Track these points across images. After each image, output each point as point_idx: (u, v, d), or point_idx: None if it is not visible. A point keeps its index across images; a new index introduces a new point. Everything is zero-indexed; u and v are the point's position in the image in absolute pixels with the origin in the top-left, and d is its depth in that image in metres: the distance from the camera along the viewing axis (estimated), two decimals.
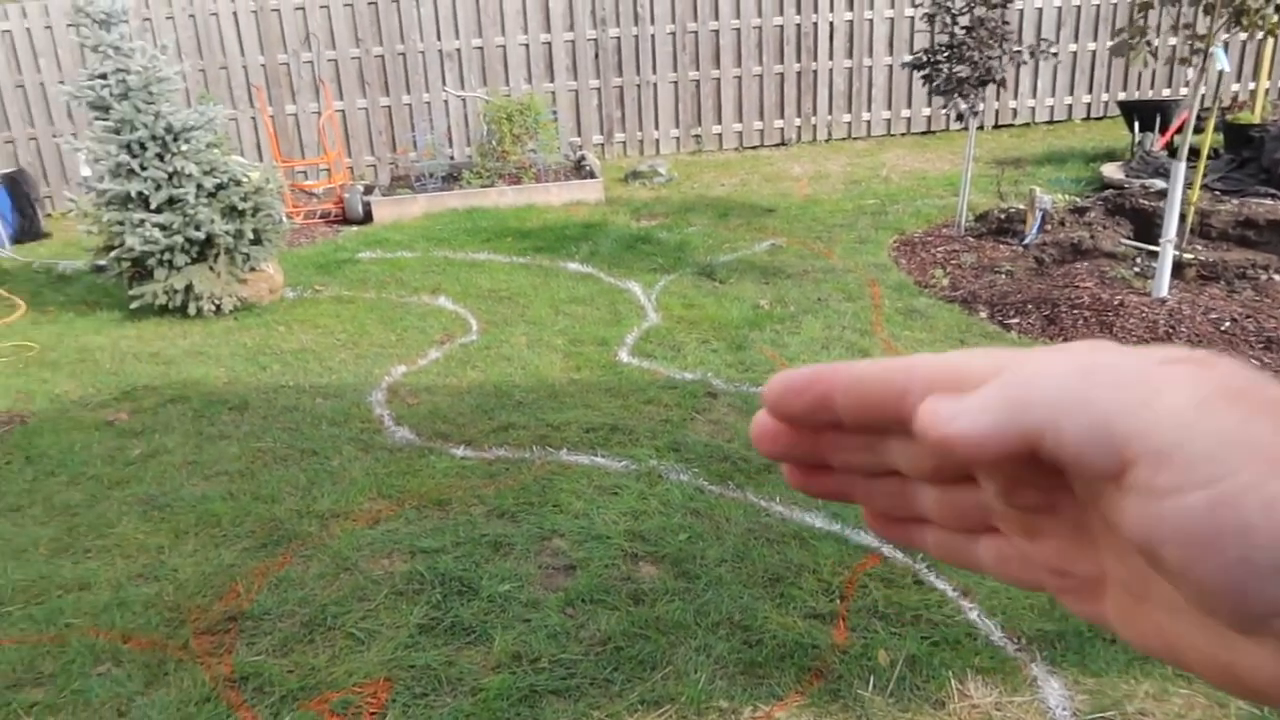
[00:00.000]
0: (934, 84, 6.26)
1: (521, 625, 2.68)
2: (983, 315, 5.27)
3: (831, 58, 10.34)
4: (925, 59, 6.29)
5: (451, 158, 9.66)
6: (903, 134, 10.61)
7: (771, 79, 10.37)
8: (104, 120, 5.82)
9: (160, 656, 2.69)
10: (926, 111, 10.52)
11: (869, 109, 10.52)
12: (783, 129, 10.52)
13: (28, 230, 8.72)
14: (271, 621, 2.81)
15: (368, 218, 8.28)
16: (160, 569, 3.15)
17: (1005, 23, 6.08)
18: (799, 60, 10.34)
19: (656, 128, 10.40)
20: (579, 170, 9.12)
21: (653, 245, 6.96)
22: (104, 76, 5.77)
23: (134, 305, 5.99)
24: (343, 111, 9.86)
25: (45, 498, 3.76)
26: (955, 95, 6.18)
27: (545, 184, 8.50)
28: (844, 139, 10.57)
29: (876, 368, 0.32)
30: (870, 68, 10.39)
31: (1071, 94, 10.56)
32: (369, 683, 2.49)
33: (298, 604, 2.88)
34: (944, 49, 6.16)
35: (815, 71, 10.37)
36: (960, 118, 6.33)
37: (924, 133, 10.61)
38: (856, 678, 2.43)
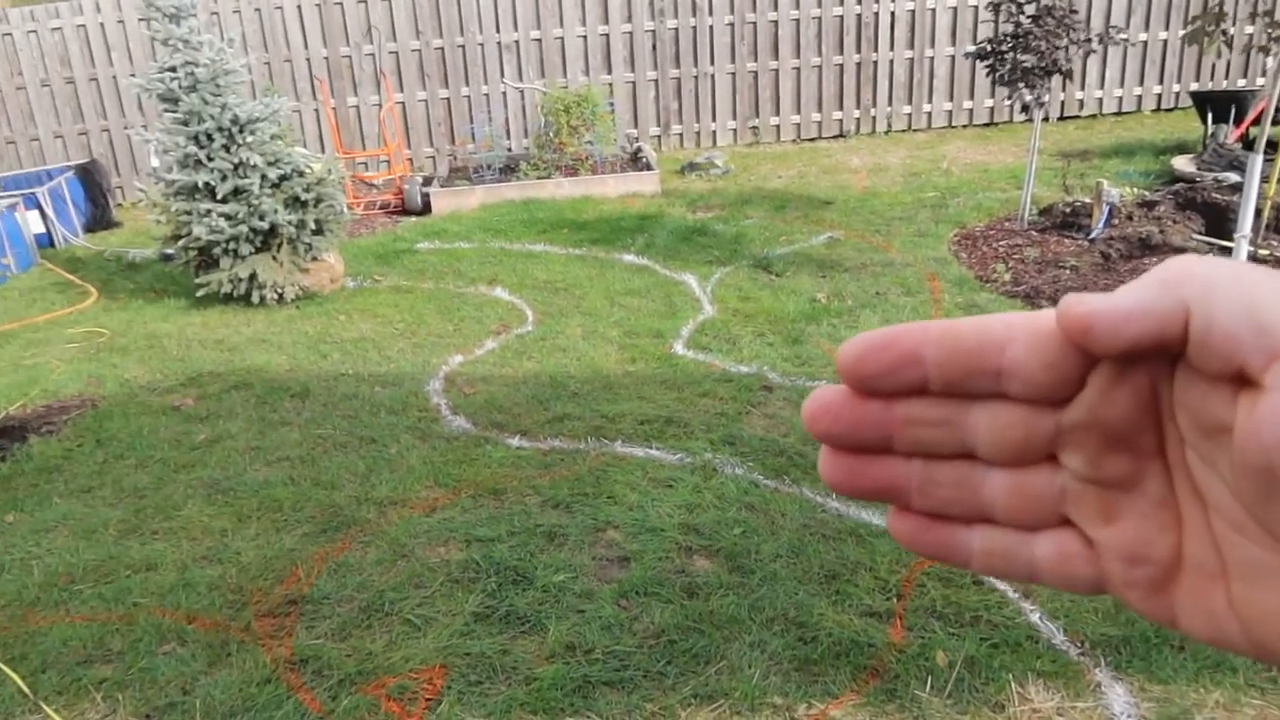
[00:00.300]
0: (998, 74, 6.13)
1: (575, 616, 2.69)
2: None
3: (892, 48, 10.19)
4: (989, 49, 6.16)
5: (509, 149, 9.72)
6: (964, 126, 10.42)
7: (831, 70, 10.25)
8: (173, 112, 5.95)
9: (223, 637, 2.75)
10: (989, 103, 10.31)
11: (930, 100, 10.35)
12: (841, 120, 10.40)
13: (100, 219, 8.98)
14: (330, 606, 2.85)
15: (426, 209, 8.37)
16: (224, 552, 3.23)
17: (1073, 11, 5.92)
18: (859, 51, 10.20)
19: (714, 119, 10.35)
20: (635, 162, 9.11)
21: (709, 237, 6.93)
22: (173, 69, 5.90)
23: (200, 293, 6.13)
24: (403, 103, 9.98)
25: (115, 480, 3.87)
26: (1020, 86, 6.05)
27: (601, 176, 8.51)
28: (904, 131, 10.41)
29: (971, 321, 0.31)
30: (932, 58, 10.21)
31: (1141, 84, 10.27)
32: (425, 669, 2.52)
33: (356, 589, 2.93)
34: (1009, 38, 6.03)
35: (875, 62, 10.23)
36: (1025, 109, 6.19)
37: (986, 125, 10.40)
38: (914, 678, 2.40)
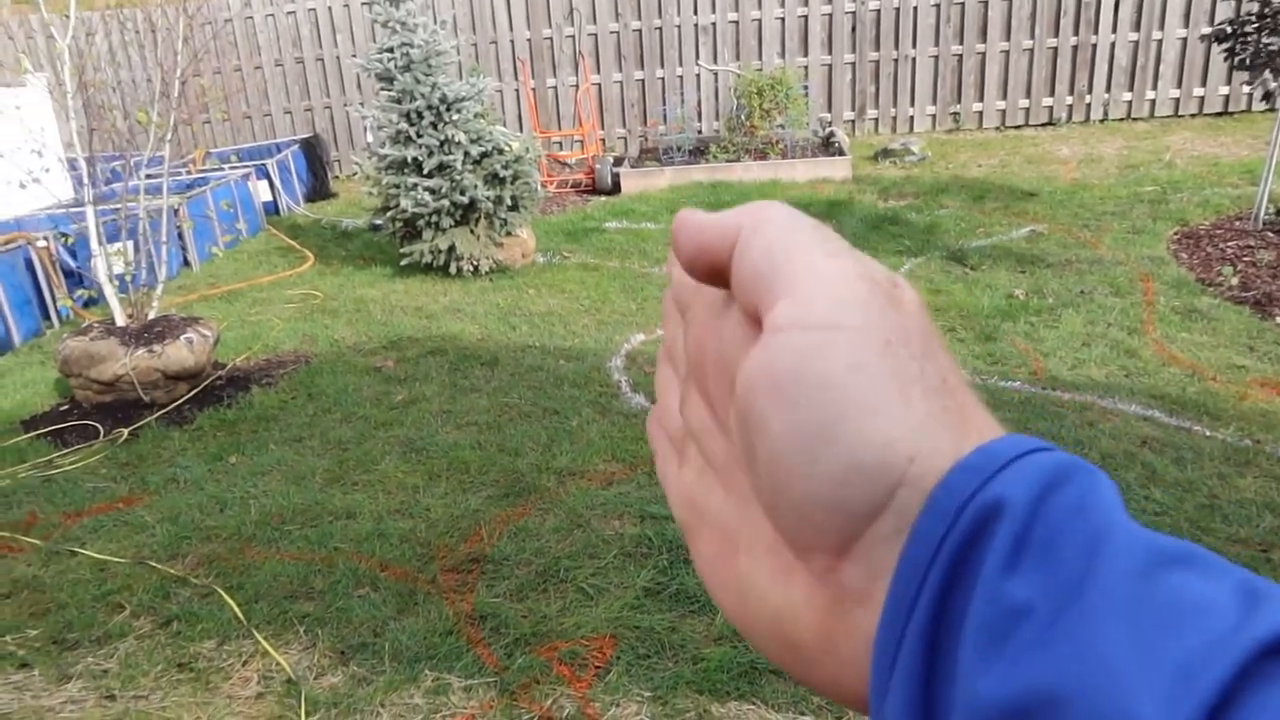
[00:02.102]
0: (1239, 58, 5.62)
1: None
2: (1279, 320, 4.70)
3: (1115, 30, 9.51)
4: (1231, 30, 5.65)
5: (699, 131, 9.75)
6: (1193, 115, 9.61)
7: (1043, 53, 9.68)
8: (388, 90, 6.32)
9: (411, 587, 2.92)
10: (1224, 90, 9.46)
11: (1154, 87, 9.60)
12: (1051, 107, 9.81)
13: (319, 190, 9.67)
14: (510, 567, 2.98)
15: (616, 188, 8.52)
16: (415, 507, 3.42)
17: None
18: (1076, 33, 9.59)
19: (912, 104, 10.00)
20: (827, 147, 8.94)
21: (900, 226, 6.73)
22: (390, 50, 6.26)
23: (403, 262, 6.50)
24: (599, 84, 10.18)
25: (322, 432, 4.17)
26: (1265, 71, 5.51)
27: (791, 160, 8.40)
28: (1121, 119, 9.72)
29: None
30: (1159, 41, 9.46)
31: None
32: (595, 637, 2.59)
33: (534, 554, 3.04)
34: (1254, 18, 5.50)
35: (1094, 45, 9.58)
36: (1267, 97, 5.64)
37: (1219, 114, 9.56)
38: None
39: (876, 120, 10.10)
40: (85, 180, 4.50)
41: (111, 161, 5.34)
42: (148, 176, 5.03)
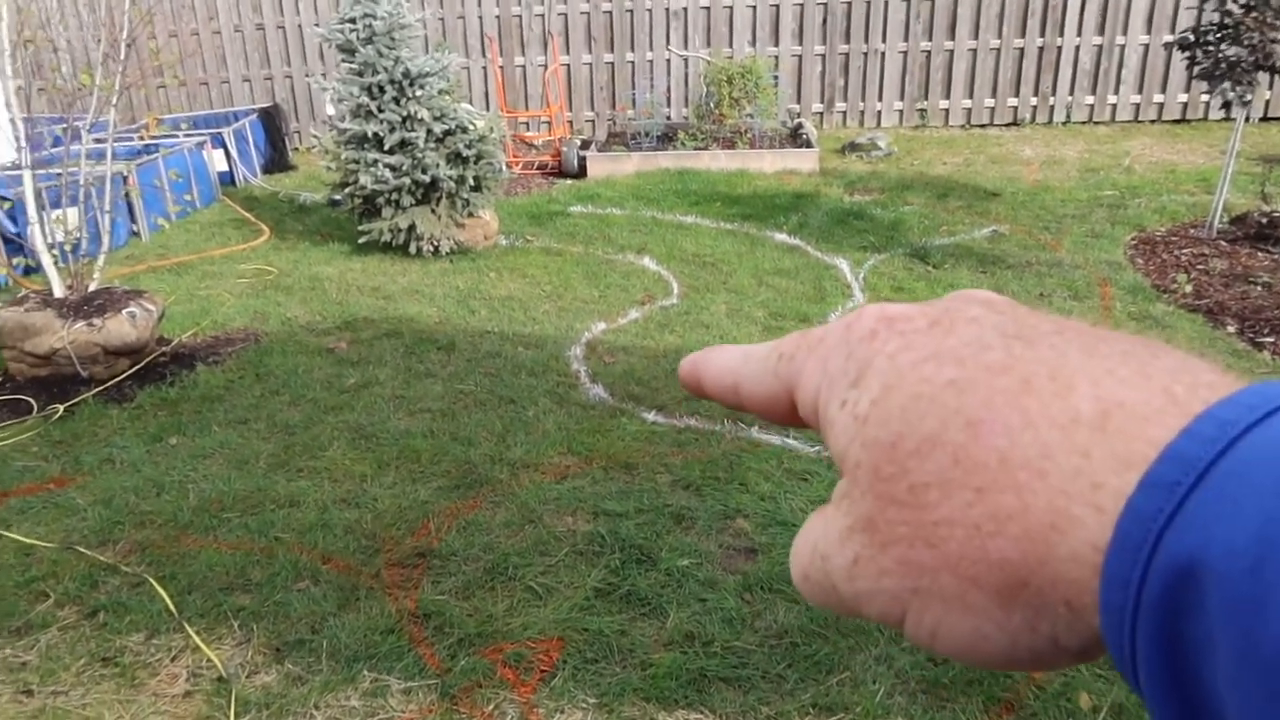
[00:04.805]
0: (1200, 67, 5.64)
1: (697, 604, 2.63)
2: (1230, 330, 4.74)
3: (1080, 33, 9.56)
4: (1194, 39, 5.67)
5: (668, 118, 9.65)
6: (1152, 121, 9.71)
7: (1009, 53, 9.71)
8: (349, 63, 6.15)
9: (354, 581, 2.83)
10: (1183, 98, 9.57)
11: (1116, 91, 9.67)
12: (1016, 108, 9.85)
13: (277, 162, 9.43)
14: (457, 563, 2.89)
15: (582, 172, 8.41)
16: (362, 497, 3.32)
17: None
18: (1042, 35, 9.62)
19: (880, 99, 9.99)
20: (795, 138, 8.89)
21: (865, 221, 6.70)
22: (353, 21, 6.09)
23: (362, 240, 6.34)
24: (568, 66, 10.04)
25: (269, 415, 4.05)
26: (1225, 81, 5.55)
27: (759, 150, 8.34)
28: (1084, 123, 9.79)
29: (730, 358, 0.37)
30: (1123, 46, 9.53)
31: None
32: (542, 640, 2.52)
33: (482, 549, 2.96)
34: (1217, 28, 5.53)
35: (1059, 47, 9.62)
36: (1225, 106, 5.68)
37: (1177, 121, 9.66)
38: (1051, 718, 2.24)
39: (844, 113, 10.08)
40: (22, 143, 4.31)
41: (55, 124, 5.13)
42: (96, 141, 4.84)
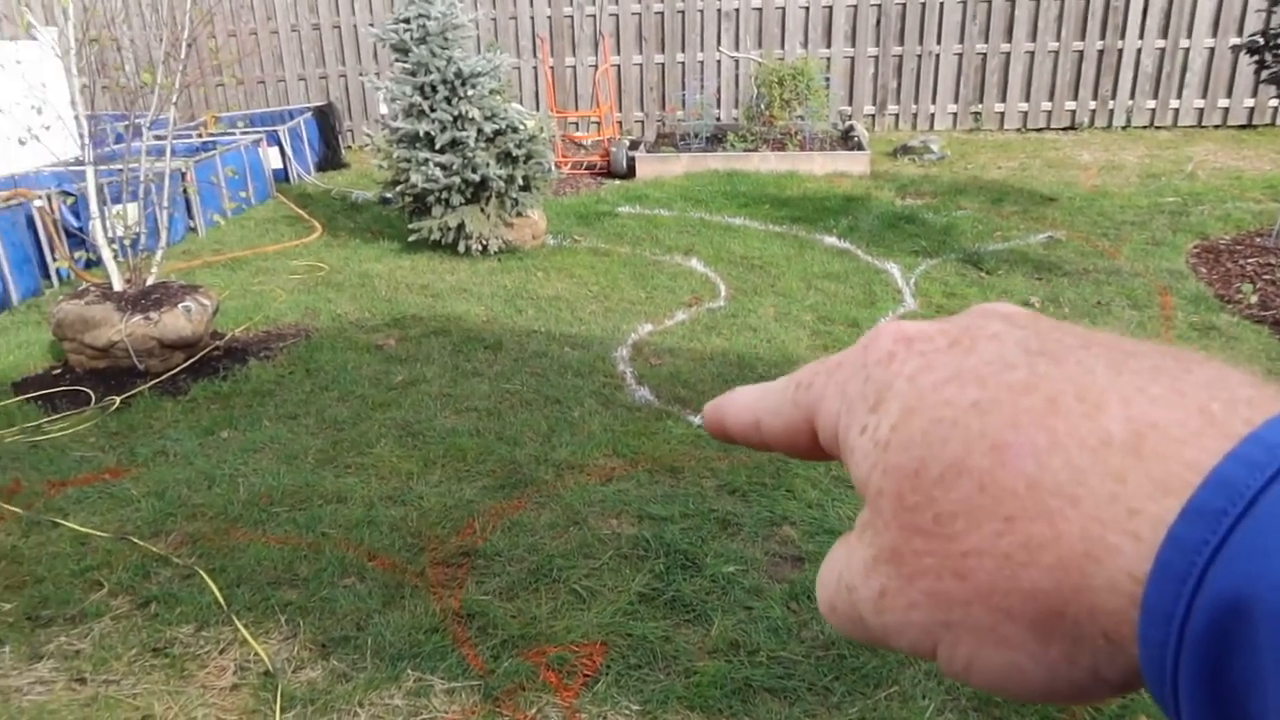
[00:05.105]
0: (1269, 71, 5.48)
1: (742, 612, 2.60)
2: None
3: (1142, 36, 9.34)
4: (1263, 42, 5.51)
5: (718, 119, 9.61)
6: (1216, 126, 9.46)
7: (1068, 56, 9.52)
8: (403, 62, 6.19)
9: (399, 579, 2.84)
10: (1249, 102, 9.31)
11: (1178, 95, 9.44)
12: (1074, 111, 9.66)
13: (330, 160, 9.55)
14: (501, 564, 2.89)
15: (630, 172, 8.40)
16: (408, 494, 3.34)
17: None
18: (1102, 37, 9.42)
19: (933, 101, 9.85)
20: (846, 141, 8.80)
21: (916, 226, 6.60)
22: (407, 21, 6.13)
23: (411, 238, 6.39)
24: (618, 66, 10.04)
25: (318, 410, 4.08)
26: None
27: (809, 152, 8.27)
28: (1144, 127, 9.56)
29: (749, 400, 0.36)
30: (1187, 49, 9.29)
31: None
32: (586, 644, 2.51)
33: (527, 550, 2.95)
34: None
35: (1120, 50, 9.42)
36: None
37: (1242, 126, 9.40)
38: None
39: (897, 116, 9.96)
40: (86, 139, 4.40)
41: (117, 121, 5.24)
42: (156, 138, 4.93)
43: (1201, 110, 9.44)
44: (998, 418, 0.26)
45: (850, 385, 0.30)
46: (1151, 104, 9.51)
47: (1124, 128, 9.58)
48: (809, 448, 0.33)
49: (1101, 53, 9.46)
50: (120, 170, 4.75)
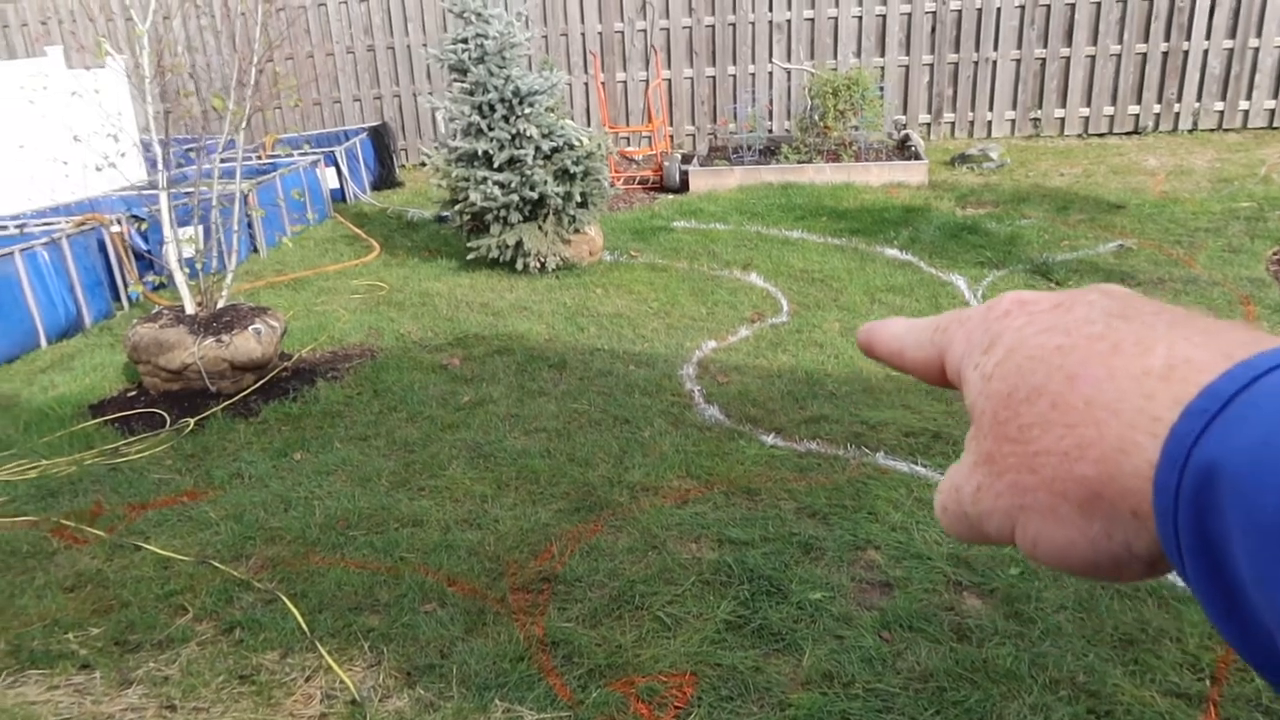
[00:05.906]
0: None
1: (833, 641, 2.53)
2: None
3: (1209, 36, 9.11)
4: None
5: (770, 131, 9.55)
6: None
7: (1131, 59, 9.31)
8: (461, 82, 6.23)
9: (480, 605, 2.81)
10: None
11: (1248, 97, 9.18)
12: (1137, 116, 9.44)
13: (385, 179, 9.65)
14: (582, 589, 2.85)
15: (684, 187, 8.37)
16: (483, 518, 3.31)
17: None
18: (1167, 39, 9.20)
19: (990, 109, 9.69)
20: (902, 150, 8.69)
21: (980, 236, 6.48)
22: (465, 41, 6.17)
23: (470, 257, 6.41)
24: (669, 80, 10.02)
25: (388, 431, 4.09)
26: None
27: (865, 163, 8.17)
28: (1212, 130, 9.32)
29: (899, 329, 0.44)
30: (1256, 49, 9.04)
31: None
32: (675, 674, 2.45)
33: (607, 575, 2.91)
34: None
35: (1186, 52, 9.19)
36: None
37: None
38: None
39: (953, 124, 9.81)
40: (160, 165, 4.46)
41: (185, 145, 5.32)
42: (222, 160, 4.99)
43: (1272, 111, 9.18)
44: (1074, 357, 0.33)
45: (974, 334, 0.38)
46: (1219, 106, 9.27)
47: (1190, 131, 9.34)
48: (938, 377, 0.41)
49: (1166, 54, 9.24)
50: (189, 193, 4.82)
